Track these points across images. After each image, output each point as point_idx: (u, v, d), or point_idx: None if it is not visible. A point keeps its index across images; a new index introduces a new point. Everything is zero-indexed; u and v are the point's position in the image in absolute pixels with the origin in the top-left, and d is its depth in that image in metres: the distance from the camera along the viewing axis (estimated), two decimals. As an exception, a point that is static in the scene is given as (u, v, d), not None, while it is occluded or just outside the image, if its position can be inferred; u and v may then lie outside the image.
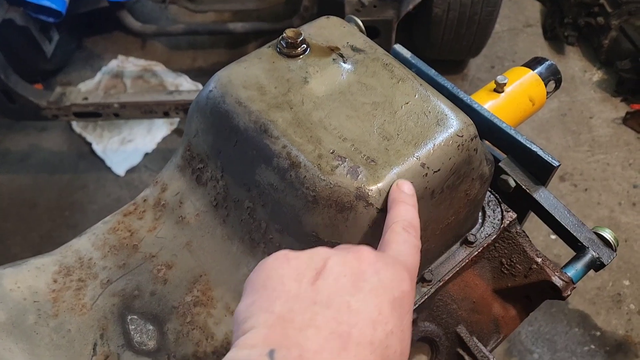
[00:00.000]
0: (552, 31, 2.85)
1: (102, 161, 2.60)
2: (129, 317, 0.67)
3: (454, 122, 0.66)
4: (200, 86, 2.93)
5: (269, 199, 0.65)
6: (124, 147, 2.72)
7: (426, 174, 0.63)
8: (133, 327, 0.67)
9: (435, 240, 0.78)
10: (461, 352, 0.91)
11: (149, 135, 2.77)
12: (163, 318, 0.68)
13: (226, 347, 0.67)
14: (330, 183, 0.60)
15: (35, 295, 0.68)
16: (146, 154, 2.63)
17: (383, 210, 0.60)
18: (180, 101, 2.06)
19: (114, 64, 3.19)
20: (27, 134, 2.86)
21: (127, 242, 0.74)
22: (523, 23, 3.11)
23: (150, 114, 2.10)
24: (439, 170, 0.64)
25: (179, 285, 0.70)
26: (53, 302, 0.68)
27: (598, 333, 2.06)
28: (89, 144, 2.72)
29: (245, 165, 0.67)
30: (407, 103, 0.67)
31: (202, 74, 3.09)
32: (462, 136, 0.65)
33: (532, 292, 0.94)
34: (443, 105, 0.67)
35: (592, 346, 2.03)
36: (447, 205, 0.72)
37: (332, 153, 0.61)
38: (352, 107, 0.66)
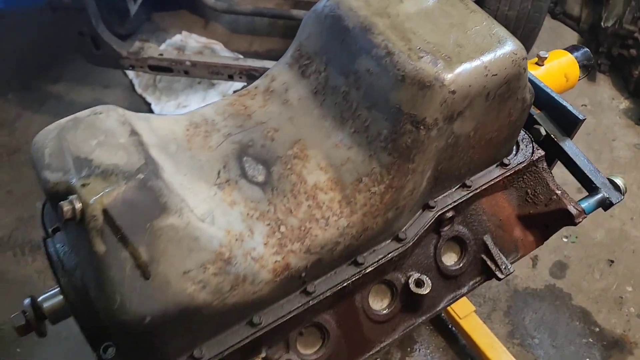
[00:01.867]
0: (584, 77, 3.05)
1: (159, 119, 2.84)
2: (244, 158, 0.89)
3: (511, 44, 0.87)
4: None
5: (364, 82, 0.86)
6: (179, 111, 2.97)
7: (487, 74, 0.84)
8: (247, 165, 0.88)
9: (479, 151, 0.98)
10: (485, 257, 1.10)
11: (203, 102, 3.02)
12: (270, 162, 0.88)
13: (313, 193, 0.87)
14: (416, 67, 0.81)
15: (174, 134, 0.90)
16: (199, 118, 2.87)
17: (453, 92, 0.80)
18: (245, 67, 2.29)
19: (177, 38, 3.46)
20: (92, 89, 3.13)
21: (242, 112, 0.96)
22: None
23: (217, 75, 2.34)
24: (496, 75, 0.84)
25: (283, 143, 0.91)
26: (187, 142, 0.90)
27: (597, 329, 2.21)
28: (149, 104, 2.97)
29: (347, 58, 0.89)
30: (476, 27, 0.88)
31: (257, 58, 3.34)
32: (516, 54, 0.86)
33: (550, 220, 1.13)
34: (504, 32, 0.88)
35: (590, 339, 2.17)
36: (495, 116, 0.92)
37: (418, 49, 0.82)
38: (435, 23, 0.88)
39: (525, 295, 2.31)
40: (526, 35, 2.57)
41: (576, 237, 2.48)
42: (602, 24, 2.96)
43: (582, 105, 2.97)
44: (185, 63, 2.31)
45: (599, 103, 2.99)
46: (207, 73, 2.34)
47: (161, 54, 2.34)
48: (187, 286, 0.74)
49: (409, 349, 2.17)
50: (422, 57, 0.81)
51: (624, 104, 2.97)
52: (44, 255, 2.46)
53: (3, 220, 2.62)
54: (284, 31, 3.43)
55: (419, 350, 2.17)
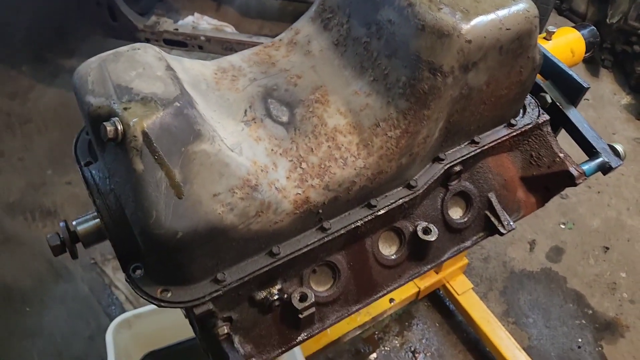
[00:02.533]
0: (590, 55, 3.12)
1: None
2: (269, 100, 0.95)
3: (525, 2, 0.93)
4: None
5: (385, 32, 0.92)
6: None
7: (501, 27, 0.89)
8: (272, 106, 0.94)
9: (489, 108, 1.04)
10: (488, 214, 1.16)
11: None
12: (293, 105, 0.94)
13: (332, 135, 0.93)
14: (436, 17, 0.87)
15: (204, 76, 0.96)
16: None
17: (469, 42, 0.86)
18: (258, 44, 2.35)
19: (189, 19, 3.50)
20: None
21: (267, 60, 1.02)
22: (564, 46, 3.39)
23: (230, 52, 2.39)
24: (509, 29, 0.90)
25: (305, 88, 0.96)
26: (215, 83, 0.96)
27: (590, 311, 2.28)
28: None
29: (370, 10, 0.94)
30: (492, -15, 0.94)
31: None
32: (529, 11, 0.92)
33: (552, 181, 1.19)
34: (517, -8, 0.94)
35: (583, 321, 2.24)
36: (507, 72, 0.98)
37: (439, 1, 0.88)
38: (454, -19, 0.93)
39: (522, 277, 2.38)
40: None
41: (573, 224, 2.55)
42: (607, 20, 3.02)
43: (584, 99, 3.04)
44: (200, 38, 2.37)
45: (601, 97, 3.06)
46: (220, 49, 2.40)
47: (176, 29, 2.40)
48: (216, 207, 0.80)
49: (406, 324, 2.24)
50: (441, 8, 0.87)
51: (626, 99, 3.04)
52: (53, 221, 2.52)
53: (15, 186, 2.68)
54: (294, 15, 3.49)
55: (417, 325, 2.24)
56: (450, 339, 2.20)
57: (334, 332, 1.97)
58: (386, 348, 2.17)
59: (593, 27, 1.43)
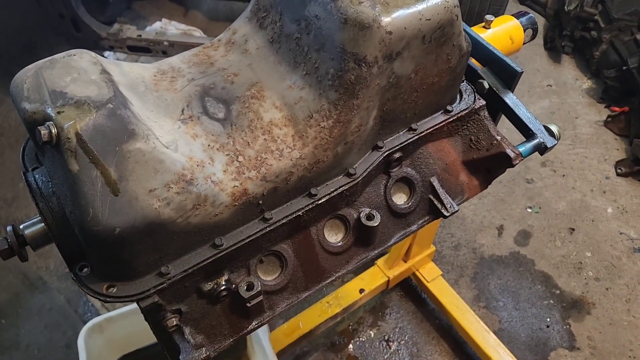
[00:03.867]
0: (551, 42, 3.19)
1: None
2: (206, 98, 0.98)
3: (444, -7, 0.97)
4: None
5: (313, 27, 0.96)
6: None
7: (420, 18, 0.94)
8: (209, 104, 0.97)
9: (422, 96, 1.09)
10: (432, 198, 1.20)
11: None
12: (230, 102, 0.98)
13: (268, 128, 0.97)
14: (357, 10, 0.91)
15: (142, 78, 0.99)
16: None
17: (390, 33, 0.91)
18: (220, 46, 2.38)
19: (157, 25, 3.52)
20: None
21: (205, 61, 1.05)
22: (527, 35, 3.46)
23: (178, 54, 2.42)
24: (429, 19, 0.95)
25: (241, 85, 1.00)
26: (154, 85, 0.99)
27: (558, 292, 2.34)
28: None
29: (299, 6, 0.98)
30: (414, -22, 0.99)
31: (234, 44, 3.44)
32: (448, 2, 0.97)
33: (491, 164, 1.24)
34: (437, -17, 0.99)
35: (551, 301, 2.30)
36: (434, 60, 1.03)
37: (360, -5, 0.93)
38: (376, -25, 0.98)
39: (491, 262, 2.43)
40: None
41: (539, 208, 2.61)
42: (565, 7, 3.10)
43: (547, 86, 3.11)
44: (163, 43, 2.39)
45: (564, 83, 3.13)
46: (184, 53, 2.42)
47: (140, 35, 2.42)
48: (153, 202, 0.83)
49: (380, 313, 2.29)
50: (362, 2, 0.91)
51: (587, 83, 3.12)
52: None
53: (-14, 200, 2.69)
54: (261, 18, 3.53)
55: (390, 314, 2.29)
56: (423, 326, 2.25)
57: (306, 325, 2.01)
58: (361, 339, 2.21)
59: (531, 14, 1.48)
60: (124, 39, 2.38)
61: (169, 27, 3.57)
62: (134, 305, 1.91)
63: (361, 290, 2.09)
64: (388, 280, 2.14)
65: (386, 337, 2.20)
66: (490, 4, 2.62)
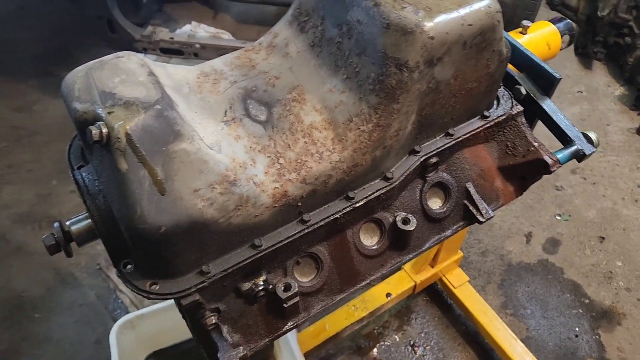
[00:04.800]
0: (583, 48, 3.15)
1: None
2: (248, 101, 1.00)
3: (486, -1, 0.97)
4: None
5: (355, 32, 0.97)
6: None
7: (463, 24, 0.94)
8: (251, 106, 0.99)
9: (461, 101, 1.09)
10: (467, 203, 1.20)
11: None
12: (271, 104, 1.00)
13: (309, 131, 0.98)
14: (399, 15, 0.92)
15: (186, 80, 1.01)
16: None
17: (432, 38, 0.91)
18: (251, 49, 2.41)
19: (187, 28, 3.58)
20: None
21: (247, 64, 1.07)
22: (558, 41, 3.42)
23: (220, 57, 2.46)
24: (471, 25, 0.95)
25: (283, 88, 1.02)
26: (198, 87, 1.01)
27: (587, 301, 2.30)
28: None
29: (341, 11, 1.00)
30: (455, -16, 0.99)
31: (263, 46, 3.47)
32: (490, 7, 0.97)
33: (527, 171, 1.23)
34: (480, -11, 0.99)
35: (580, 310, 2.27)
36: (473, 65, 1.03)
37: (403, 0, 0.93)
38: (418, -19, 0.98)
39: (519, 270, 2.41)
40: (522, 20, 2.66)
41: (569, 216, 2.57)
42: (598, 13, 3.05)
43: (578, 92, 3.07)
44: (195, 46, 2.43)
45: (595, 90, 3.08)
46: (216, 56, 2.45)
47: (172, 38, 2.46)
48: (197, 202, 0.85)
49: (406, 318, 2.28)
50: (405, 7, 0.92)
51: (619, 90, 3.07)
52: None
53: (24, 196, 2.76)
54: (290, 21, 3.56)
55: (416, 319, 2.28)
56: (449, 332, 2.24)
57: (332, 328, 2.02)
58: (386, 343, 2.21)
59: (568, 20, 1.47)
60: (157, 41, 2.43)
61: (199, 30, 3.62)
62: (165, 303, 1.94)
63: (388, 295, 2.08)
64: (415, 285, 2.14)
65: (412, 342, 2.20)
66: (522, 9, 2.59)
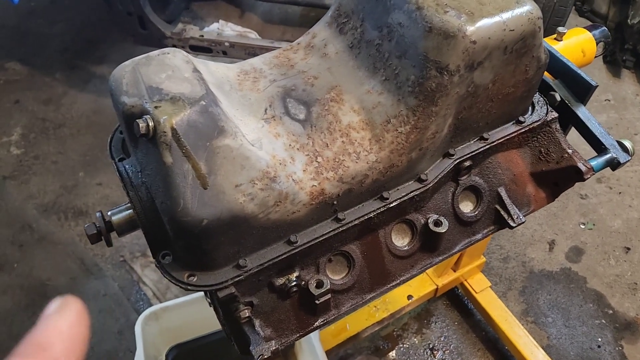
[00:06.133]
0: (611, 55, 3.12)
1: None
2: (288, 99, 1.01)
3: (529, 4, 0.98)
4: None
5: (395, 34, 0.98)
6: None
7: (504, 29, 0.95)
8: (290, 105, 1.01)
9: (497, 105, 1.09)
10: (498, 207, 1.20)
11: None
12: (310, 103, 1.01)
13: (346, 131, 0.99)
14: (442, 19, 0.92)
15: (227, 77, 1.03)
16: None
17: (474, 42, 0.92)
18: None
19: (214, 26, 3.61)
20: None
21: (286, 63, 1.09)
22: (586, 48, 3.40)
23: (253, 56, 2.48)
24: (513, 30, 0.96)
25: (321, 88, 1.03)
26: (238, 84, 1.03)
27: (610, 311, 2.28)
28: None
29: (382, 14, 1.01)
30: (497, -11, 0.99)
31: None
32: (532, 13, 0.97)
33: (560, 177, 1.23)
34: (521, -6, 0.99)
35: (603, 321, 2.25)
36: (512, 71, 1.03)
37: (445, 4, 0.94)
38: (460, -15, 0.99)
39: (541, 277, 2.39)
40: (551, 28, 2.65)
41: (593, 225, 2.55)
42: (628, 21, 3.02)
43: (605, 100, 3.04)
44: (224, 44, 2.46)
45: (623, 98, 3.05)
46: (244, 54, 2.49)
47: (202, 35, 2.50)
48: (238, 197, 0.87)
49: (425, 321, 2.28)
50: (447, 11, 0.93)
51: (648, 100, 3.04)
52: (85, 220, 2.65)
53: (49, 187, 2.82)
54: (315, 21, 3.56)
55: (436, 323, 2.28)
56: (469, 337, 2.23)
57: (353, 328, 2.03)
58: (405, 345, 2.21)
59: (604, 27, 1.46)
60: (187, 39, 2.46)
61: (226, 29, 3.66)
62: (189, 296, 1.97)
63: (409, 297, 2.09)
64: (436, 289, 2.14)
65: (431, 345, 2.20)
66: (552, 15, 2.58)
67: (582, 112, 1.26)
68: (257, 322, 1.01)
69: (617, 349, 2.16)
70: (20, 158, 2.97)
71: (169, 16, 3.41)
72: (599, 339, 2.19)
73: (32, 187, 2.86)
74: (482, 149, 1.13)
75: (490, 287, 2.19)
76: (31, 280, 2.50)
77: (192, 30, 2.48)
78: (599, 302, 2.30)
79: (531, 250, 2.46)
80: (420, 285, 2.13)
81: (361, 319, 2.05)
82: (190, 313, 1.89)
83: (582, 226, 2.54)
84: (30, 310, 2.38)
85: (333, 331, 2.00)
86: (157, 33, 2.46)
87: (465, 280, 2.18)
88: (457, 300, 2.32)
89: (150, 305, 2.37)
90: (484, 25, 0.93)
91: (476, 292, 2.16)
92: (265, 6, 3.62)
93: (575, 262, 2.43)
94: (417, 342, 2.22)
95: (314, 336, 1.72)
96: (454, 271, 2.15)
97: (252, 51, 2.45)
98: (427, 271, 2.18)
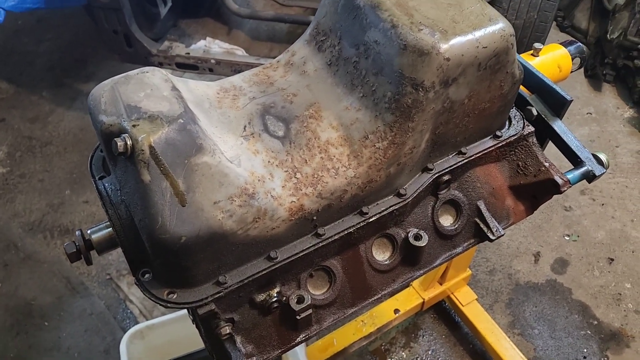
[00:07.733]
0: (592, 69, 3.18)
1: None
2: (267, 117, 1.03)
3: (501, 22, 1.00)
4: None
5: (372, 52, 1.00)
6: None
7: (477, 46, 0.97)
8: (269, 122, 1.02)
9: (474, 121, 1.11)
10: (478, 221, 1.22)
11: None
12: (289, 120, 1.02)
13: (325, 147, 1.01)
14: (416, 37, 0.94)
15: (207, 95, 1.04)
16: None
17: (448, 59, 0.94)
18: (265, 65, 2.45)
19: (202, 44, 3.64)
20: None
21: (265, 80, 1.10)
22: (568, 62, 3.45)
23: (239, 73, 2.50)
24: (486, 47, 0.98)
25: (300, 105, 1.05)
26: (218, 102, 1.04)
27: (595, 322, 2.29)
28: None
29: (358, 31, 1.03)
30: (471, 7, 1.02)
31: (275, 62, 3.52)
32: (504, 31, 1.00)
33: (538, 190, 1.25)
34: (494, 13, 1.02)
35: (589, 332, 2.26)
36: (487, 86, 1.05)
37: (419, 22, 0.96)
38: (434, 2, 1.01)
39: (527, 289, 2.41)
40: (532, 43, 2.70)
41: (578, 236, 2.58)
42: (608, 36, 3.09)
43: (587, 114, 3.09)
44: (210, 61, 2.48)
45: (604, 112, 3.10)
46: (230, 71, 2.51)
47: (188, 53, 2.51)
48: (217, 214, 0.88)
49: (413, 335, 2.28)
50: (421, 29, 0.95)
51: (628, 112, 3.09)
52: (71, 238, 2.62)
53: (35, 206, 2.80)
54: (302, 38, 3.61)
55: (423, 336, 2.28)
56: (456, 350, 2.23)
57: (340, 343, 2.02)
58: (393, 359, 2.21)
59: (579, 43, 1.49)
60: (173, 56, 2.48)
61: (213, 46, 3.68)
62: (175, 314, 1.95)
63: (396, 311, 2.09)
64: (423, 302, 2.14)
65: (419, 359, 2.20)
66: (532, 31, 2.63)
67: (558, 126, 1.28)
68: (238, 339, 1.01)
69: (602, 359, 2.17)
70: (6, 176, 2.96)
71: (156, 34, 3.43)
72: (585, 350, 2.20)
73: (18, 205, 2.84)
74: (460, 163, 1.15)
75: (476, 299, 2.20)
76: (16, 300, 2.47)
77: (178, 48, 2.50)
78: (584, 313, 2.32)
79: (517, 263, 2.48)
80: (407, 299, 2.13)
81: (348, 333, 2.05)
82: (176, 331, 1.88)
83: (567, 238, 2.56)
84: (15, 331, 2.36)
85: (320, 346, 1.99)
86: (142, 51, 2.47)
87: (452, 293, 2.19)
88: (445, 313, 2.32)
89: (137, 323, 2.35)
90: (457, 43, 0.96)
91: (463, 305, 2.17)
92: (252, 23, 3.65)
93: (561, 274, 2.45)
94: (405, 356, 2.22)
95: (300, 351, 1.71)
96: (440, 284, 2.16)
97: (238, 68, 2.47)
98: (413, 285, 2.19)
